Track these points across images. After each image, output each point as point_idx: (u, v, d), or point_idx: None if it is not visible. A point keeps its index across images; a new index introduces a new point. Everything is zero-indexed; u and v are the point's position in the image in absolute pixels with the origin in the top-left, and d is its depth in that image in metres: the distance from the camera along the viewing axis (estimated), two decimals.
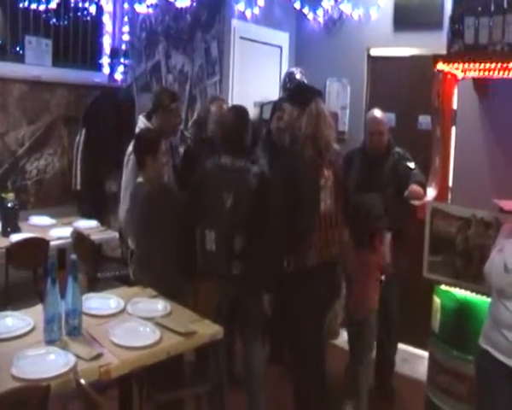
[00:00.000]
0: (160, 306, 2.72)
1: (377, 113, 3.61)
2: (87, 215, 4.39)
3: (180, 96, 4.79)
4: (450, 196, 3.65)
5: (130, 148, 3.31)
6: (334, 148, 2.99)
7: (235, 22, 4.56)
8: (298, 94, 3.15)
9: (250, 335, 3.10)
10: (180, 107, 3.73)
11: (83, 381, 1.94)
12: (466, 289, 2.85)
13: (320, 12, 4.79)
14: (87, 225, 4.13)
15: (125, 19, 5.41)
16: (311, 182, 2.86)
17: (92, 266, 3.66)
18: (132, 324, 2.51)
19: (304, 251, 2.84)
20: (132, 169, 3.29)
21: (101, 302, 2.73)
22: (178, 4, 4.79)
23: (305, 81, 4.37)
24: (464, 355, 2.79)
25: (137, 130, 3.52)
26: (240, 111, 3.12)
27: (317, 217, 2.85)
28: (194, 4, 4.72)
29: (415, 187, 3.22)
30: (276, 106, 3.68)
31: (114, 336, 2.35)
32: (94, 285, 3.49)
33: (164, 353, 2.35)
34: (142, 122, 3.56)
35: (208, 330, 2.53)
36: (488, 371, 2.37)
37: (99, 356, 2.19)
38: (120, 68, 5.44)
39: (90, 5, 5.33)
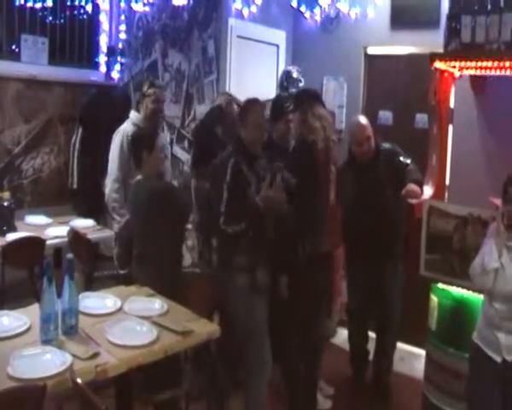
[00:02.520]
0: (156, 305, 2.71)
1: (360, 119, 3.53)
2: (83, 214, 4.38)
3: (176, 95, 4.85)
4: (447, 195, 3.65)
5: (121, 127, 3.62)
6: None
7: (232, 21, 4.55)
8: (300, 99, 3.22)
9: None
10: (159, 94, 3.79)
11: (79, 380, 1.93)
12: (463, 287, 2.86)
13: (317, 10, 4.79)
14: (84, 224, 4.11)
15: (122, 17, 5.40)
16: (324, 172, 3.04)
17: (89, 265, 3.65)
18: (129, 323, 2.50)
19: (315, 238, 3.02)
20: (118, 147, 3.58)
21: (97, 301, 2.71)
22: (175, 2, 4.78)
23: (302, 79, 4.37)
24: (461, 353, 2.79)
25: (129, 123, 3.68)
26: None
27: (327, 207, 3.05)
28: (191, 2, 4.71)
29: (412, 186, 3.22)
30: (282, 108, 3.62)
31: (111, 336, 2.34)
32: (90, 284, 3.48)
33: (161, 352, 2.33)
34: (132, 115, 3.77)
35: (205, 329, 2.52)
36: (479, 365, 2.45)
37: (96, 355, 2.18)
38: (117, 67, 5.43)
39: (86, 3, 5.31)
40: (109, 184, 3.64)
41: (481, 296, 2.57)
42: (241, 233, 2.76)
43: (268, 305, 2.89)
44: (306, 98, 3.13)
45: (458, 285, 2.89)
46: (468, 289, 2.82)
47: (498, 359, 2.36)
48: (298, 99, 3.18)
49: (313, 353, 3.18)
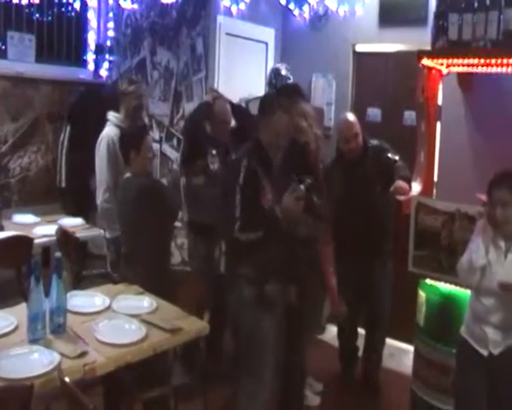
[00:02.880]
0: (145, 303, 2.71)
1: (348, 116, 3.54)
2: (72, 213, 4.35)
3: (164, 93, 4.83)
4: (435, 191, 3.67)
5: (104, 132, 3.53)
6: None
7: (220, 18, 4.54)
8: (282, 96, 3.15)
9: None
10: (140, 90, 3.79)
11: (67, 379, 1.92)
12: (450, 282, 2.89)
13: (306, 8, 4.80)
14: (72, 222, 4.09)
15: (110, 15, 5.36)
16: (317, 172, 2.99)
17: (77, 263, 3.63)
18: (118, 321, 2.50)
19: None
20: (105, 153, 3.51)
21: (86, 300, 2.71)
22: (164, 0, 4.76)
23: (291, 77, 4.37)
24: (448, 348, 2.81)
25: (111, 126, 3.62)
26: None
27: None
28: (180, 0, 4.69)
29: (400, 183, 3.23)
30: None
31: (99, 334, 2.34)
32: (79, 283, 3.46)
33: (150, 350, 2.34)
34: (111, 115, 3.68)
35: (194, 326, 2.53)
36: (465, 359, 2.50)
37: (84, 354, 2.17)
38: (105, 65, 5.39)
39: (74, 1, 5.27)
40: (100, 195, 3.56)
41: (469, 292, 2.60)
42: (255, 242, 2.56)
43: (279, 319, 2.71)
44: (289, 95, 3.10)
45: (446, 281, 2.91)
46: (456, 284, 2.84)
47: (485, 352, 2.40)
48: (280, 96, 3.15)
49: (300, 349, 3.17)
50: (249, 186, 2.59)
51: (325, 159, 3.24)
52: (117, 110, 3.71)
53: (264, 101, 2.99)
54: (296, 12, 4.85)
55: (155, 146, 4.60)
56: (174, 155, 4.66)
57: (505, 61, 3.05)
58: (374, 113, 4.36)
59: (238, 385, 2.79)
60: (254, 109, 3.84)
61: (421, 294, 3.09)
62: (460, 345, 2.53)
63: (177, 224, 3.65)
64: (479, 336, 2.42)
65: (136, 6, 5.11)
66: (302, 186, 2.57)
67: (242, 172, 2.61)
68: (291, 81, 4.39)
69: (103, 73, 5.40)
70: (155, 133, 4.84)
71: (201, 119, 3.47)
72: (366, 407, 3.46)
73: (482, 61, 3.13)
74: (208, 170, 3.44)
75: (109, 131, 3.59)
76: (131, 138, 3.18)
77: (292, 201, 2.54)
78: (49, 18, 5.19)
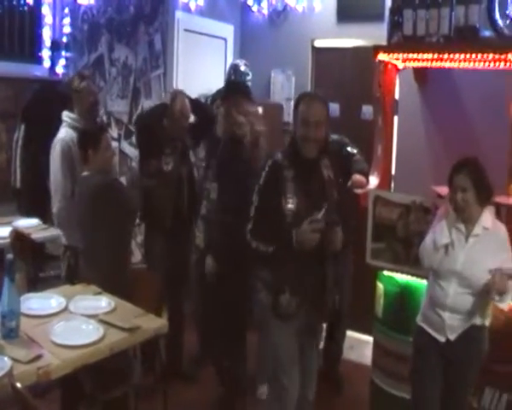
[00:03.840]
0: (103, 302, 2.67)
1: None
2: (28, 214, 4.23)
3: (123, 90, 4.76)
4: (393, 184, 3.73)
5: (58, 136, 3.37)
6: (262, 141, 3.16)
7: (179, 14, 4.51)
8: (226, 94, 3.23)
9: None
10: (92, 85, 3.66)
11: (19, 385, 1.87)
12: (407, 273, 2.94)
13: (264, 4, 4.81)
14: (28, 223, 3.96)
15: (66, 10, 5.25)
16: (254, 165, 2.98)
17: (32, 265, 3.54)
18: (74, 322, 2.45)
19: None
20: (59, 159, 3.33)
21: (41, 302, 2.64)
22: None
23: (250, 73, 4.37)
24: (405, 337, 2.86)
25: (64, 128, 3.45)
26: None
27: None
28: None
29: (357, 176, 3.27)
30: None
31: (55, 336, 2.29)
32: (35, 285, 3.38)
33: (107, 349, 2.30)
34: (65, 116, 3.50)
35: (152, 324, 2.51)
36: (422, 346, 2.56)
37: (38, 358, 2.11)
38: (62, 61, 5.27)
39: None
40: (57, 202, 3.37)
41: (425, 282, 2.65)
42: (263, 254, 2.38)
43: (296, 334, 2.49)
44: (231, 94, 3.12)
45: (403, 272, 2.96)
46: (413, 275, 2.91)
47: (442, 339, 2.46)
48: (224, 94, 3.17)
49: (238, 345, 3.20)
50: (269, 191, 2.39)
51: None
52: (71, 109, 3.58)
53: (214, 97, 3.04)
54: (255, 8, 4.85)
55: (114, 144, 4.53)
56: (133, 152, 4.60)
57: (457, 56, 3.11)
58: (332, 107, 4.37)
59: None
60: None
61: (380, 285, 3.13)
62: (417, 333, 2.59)
63: (137, 222, 3.60)
64: (436, 323, 2.48)
65: (92, 1, 5.02)
66: (320, 216, 2.30)
67: (264, 173, 2.42)
68: (250, 77, 4.40)
69: (59, 69, 5.28)
70: (114, 131, 4.77)
71: (156, 119, 3.43)
72: (327, 400, 3.46)
73: (435, 56, 3.19)
74: (162, 171, 3.38)
75: (64, 135, 3.40)
76: (89, 137, 3.10)
77: (308, 232, 2.29)
78: (0, 12, 5.01)
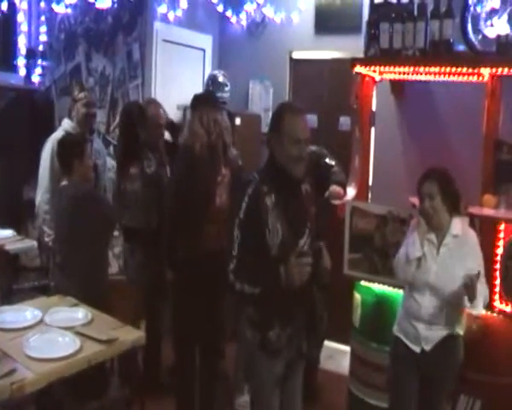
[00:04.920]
0: (80, 314, 2.63)
1: None
2: (2, 224, 4.16)
3: (101, 100, 4.72)
4: (370, 195, 3.76)
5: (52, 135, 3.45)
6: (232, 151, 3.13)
7: (157, 25, 4.50)
8: (192, 105, 3.20)
9: None
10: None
11: None
12: (384, 283, 2.98)
13: (243, 15, 4.84)
14: (2, 234, 3.91)
15: (42, 18, 5.19)
16: (207, 175, 2.97)
17: (6, 277, 3.48)
18: (50, 335, 2.41)
19: (197, 240, 2.95)
20: (48, 155, 3.41)
21: (15, 315, 2.59)
22: (99, 5, 4.65)
23: (228, 84, 4.39)
24: (382, 347, 2.90)
25: (60, 130, 3.54)
26: None
27: (211, 210, 2.96)
28: (116, 6, 4.61)
29: (335, 187, 3.30)
30: None
31: (29, 350, 2.24)
32: (9, 298, 3.32)
33: (84, 362, 2.27)
34: (65, 123, 3.62)
35: (130, 336, 2.48)
36: (399, 356, 2.59)
37: (11, 372, 2.07)
38: (38, 70, 5.21)
39: (0, 1, 5.04)
40: (39, 195, 3.48)
41: (401, 291, 2.69)
42: (249, 296, 2.14)
43: (284, 366, 2.30)
44: (198, 104, 3.14)
45: (380, 282, 3.00)
46: (389, 285, 2.94)
47: (417, 349, 2.49)
48: (191, 105, 3.19)
49: (211, 353, 3.17)
50: (252, 224, 2.13)
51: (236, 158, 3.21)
52: (51, 118, 3.60)
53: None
54: (233, 19, 4.88)
55: None
56: (111, 162, 4.56)
57: (432, 69, 3.17)
58: (310, 119, 4.43)
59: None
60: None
61: (357, 295, 3.16)
62: (393, 343, 2.62)
63: (115, 233, 3.57)
64: (411, 334, 2.51)
65: (69, 10, 4.97)
66: (304, 243, 2.17)
67: (244, 205, 2.14)
68: (228, 88, 4.42)
69: (35, 78, 5.21)
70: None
71: (135, 122, 3.42)
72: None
73: (411, 68, 3.25)
74: (145, 174, 3.39)
75: (57, 135, 3.49)
76: (73, 147, 3.08)
77: (297, 267, 2.09)
78: None
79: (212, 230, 2.95)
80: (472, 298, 2.31)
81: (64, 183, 3.06)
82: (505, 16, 3.00)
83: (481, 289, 2.35)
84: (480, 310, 2.44)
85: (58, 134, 3.51)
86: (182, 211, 2.95)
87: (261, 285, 2.11)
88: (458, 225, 2.49)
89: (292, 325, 2.26)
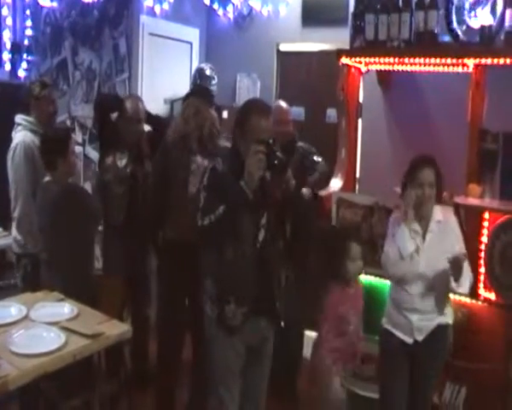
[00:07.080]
0: (66, 309, 2.61)
1: (282, 102, 3.59)
2: None
3: (87, 94, 4.69)
4: (357, 187, 3.77)
5: (18, 139, 3.28)
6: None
7: (143, 18, 4.48)
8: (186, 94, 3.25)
9: None
10: (52, 94, 3.57)
11: None
12: (371, 274, 2.98)
13: (230, 8, 4.82)
14: None
15: (28, 12, 5.15)
16: (173, 162, 3.04)
17: None
18: (35, 330, 2.39)
19: (174, 225, 3.03)
20: (24, 163, 3.24)
21: (0, 311, 2.55)
22: None
23: (215, 77, 4.37)
24: (371, 336, 2.89)
25: (24, 132, 3.34)
26: None
27: (185, 198, 2.97)
28: None
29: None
30: None
31: (14, 345, 2.23)
32: None
33: (69, 357, 2.25)
34: (21, 119, 3.39)
35: (116, 330, 2.47)
36: (389, 348, 2.58)
37: None
38: (23, 65, 5.17)
39: None
40: (20, 206, 3.28)
41: (388, 282, 2.68)
42: (217, 222, 2.16)
43: (245, 349, 2.35)
44: (187, 96, 3.18)
45: (367, 273, 3.00)
46: (377, 275, 2.94)
47: (410, 340, 2.49)
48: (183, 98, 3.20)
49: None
50: (215, 182, 2.27)
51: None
52: (27, 113, 3.47)
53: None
54: (220, 12, 4.85)
55: (78, 149, 4.47)
56: (97, 157, 4.53)
57: (417, 60, 3.17)
58: (297, 111, 4.43)
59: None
60: (179, 109, 3.82)
61: None
62: (383, 336, 2.60)
63: (100, 228, 3.54)
64: (403, 325, 2.50)
65: (55, 4, 4.94)
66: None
67: (206, 175, 2.30)
68: (216, 81, 4.40)
69: (21, 73, 5.17)
70: (78, 136, 4.70)
71: (108, 111, 3.39)
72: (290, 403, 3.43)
73: (397, 59, 3.25)
74: (115, 166, 3.29)
75: (24, 137, 3.31)
76: (55, 144, 3.03)
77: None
78: None
79: (186, 217, 2.82)
80: (457, 276, 2.31)
81: (47, 178, 3.03)
82: (488, 7, 3.00)
83: (466, 269, 2.35)
84: (466, 289, 2.42)
85: (25, 136, 3.31)
86: (156, 195, 3.09)
87: (224, 201, 2.16)
88: (439, 211, 2.51)
89: (248, 304, 2.28)
